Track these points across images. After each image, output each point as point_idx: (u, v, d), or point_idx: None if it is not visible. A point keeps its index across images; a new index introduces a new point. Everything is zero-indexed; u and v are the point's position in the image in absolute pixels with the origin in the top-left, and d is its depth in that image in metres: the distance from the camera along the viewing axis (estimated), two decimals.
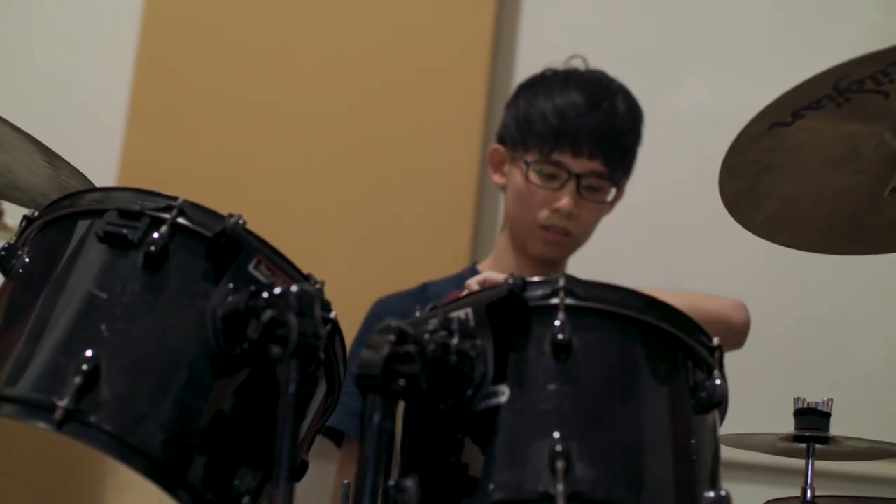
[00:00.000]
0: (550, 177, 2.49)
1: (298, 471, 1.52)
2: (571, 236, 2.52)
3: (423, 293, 2.63)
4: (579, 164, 2.47)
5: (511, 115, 2.59)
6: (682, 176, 3.22)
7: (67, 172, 1.87)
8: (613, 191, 2.56)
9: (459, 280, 2.61)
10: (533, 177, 2.50)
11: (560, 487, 1.25)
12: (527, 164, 2.50)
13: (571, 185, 2.46)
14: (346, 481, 1.66)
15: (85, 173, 1.87)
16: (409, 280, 2.74)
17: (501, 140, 2.61)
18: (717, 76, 3.43)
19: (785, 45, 3.39)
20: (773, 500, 2.27)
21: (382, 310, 2.60)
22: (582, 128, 2.48)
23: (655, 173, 3.32)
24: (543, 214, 2.49)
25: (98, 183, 1.69)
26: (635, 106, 2.60)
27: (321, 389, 1.53)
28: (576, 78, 2.57)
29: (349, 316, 2.55)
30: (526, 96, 2.58)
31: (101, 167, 3.22)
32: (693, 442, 1.39)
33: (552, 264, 2.57)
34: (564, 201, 2.46)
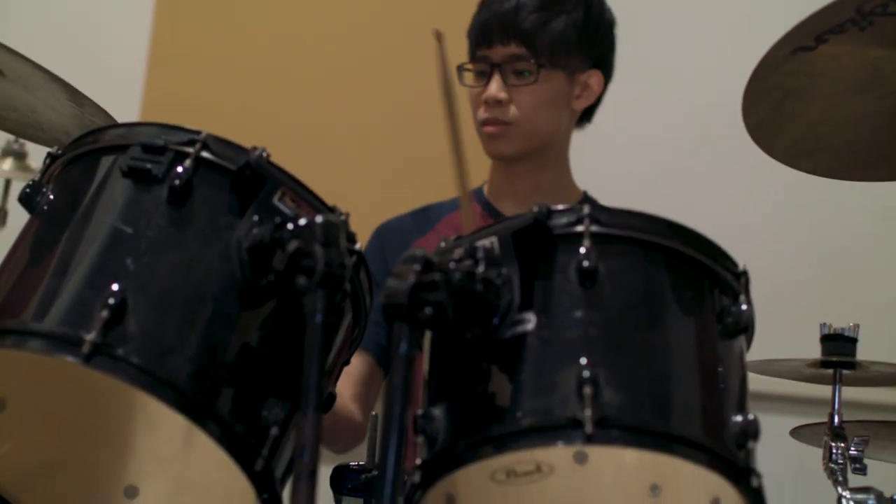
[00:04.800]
0: (480, 75, 2.49)
1: (326, 402, 1.53)
2: (511, 125, 2.46)
3: (424, 213, 2.63)
4: (497, 53, 2.46)
5: None
6: (706, 103, 3.20)
7: (91, 111, 1.88)
8: (553, 74, 2.47)
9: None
10: (466, 79, 2.52)
11: (588, 412, 1.24)
12: (461, 69, 2.51)
13: (496, 75, 2.45)
14: (374, 413, 1.67)
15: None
16: None
17: None
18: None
19: None
20: (800, 427, 2.27)
21: (384, 233, 2.61)
22: (491, 16, 2.46)
23: (679, 103, 3.32)
24: (480, 111, 2.47)
25: (121, 121, 1.69)
26: None
27: (347, 321, 1.53)
28: None
29: None
30: None
31: (124, 106, 3.23)
32: (720, 368, 1.39)
33: (515, 161, 2.53)
34: (489, 89, 2.44)
